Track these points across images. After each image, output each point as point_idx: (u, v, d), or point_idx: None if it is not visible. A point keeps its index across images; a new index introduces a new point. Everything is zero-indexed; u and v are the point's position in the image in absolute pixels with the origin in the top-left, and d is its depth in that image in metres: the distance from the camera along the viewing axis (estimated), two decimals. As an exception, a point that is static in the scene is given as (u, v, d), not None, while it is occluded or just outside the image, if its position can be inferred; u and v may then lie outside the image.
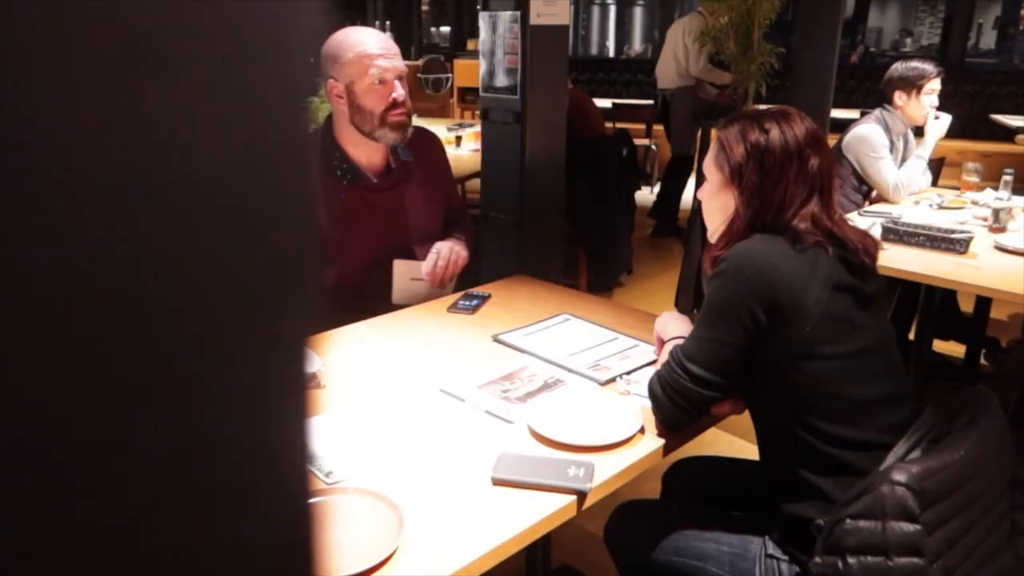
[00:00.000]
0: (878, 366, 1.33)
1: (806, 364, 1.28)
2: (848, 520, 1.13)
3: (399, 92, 1.87)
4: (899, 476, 1.10)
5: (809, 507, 1.28)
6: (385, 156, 2.01)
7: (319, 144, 1.98)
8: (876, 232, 2.72)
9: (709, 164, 1.45)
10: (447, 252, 1.99)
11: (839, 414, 1.28)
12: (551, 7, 3.02)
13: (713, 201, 1.45)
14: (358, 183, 1.96)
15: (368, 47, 1.84)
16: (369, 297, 1.99)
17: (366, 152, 1.97)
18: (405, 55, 8.76)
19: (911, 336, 3.29)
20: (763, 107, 1.49)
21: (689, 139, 5.65)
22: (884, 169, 3.20)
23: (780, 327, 1.28)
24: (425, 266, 1.97)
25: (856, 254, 1.34)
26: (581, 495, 1.20)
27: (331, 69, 1.87)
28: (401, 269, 1.99)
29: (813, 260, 1.31)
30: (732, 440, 2.75)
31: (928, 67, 3.20)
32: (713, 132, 1.48)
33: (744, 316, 1.29)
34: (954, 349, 3.43)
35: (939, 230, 2.61)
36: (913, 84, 3.20)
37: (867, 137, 3.24)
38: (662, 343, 1.59)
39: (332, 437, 1.35)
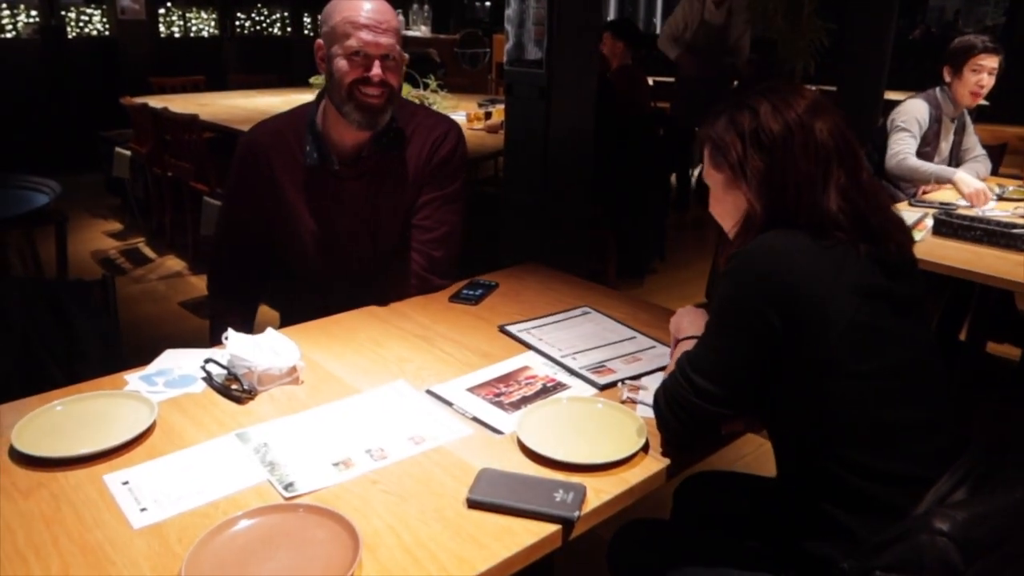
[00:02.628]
0: (916, 385, 1.14)
1: (830, 382, 1.10)
2: (879, 572, 0.96)
3: (376, 71, 1.67)
4: (941, 524, 0.92)
5: (832, 546, 1.11)
6: (362, 142, 1.79)
7: (304, 113, 1.84)
8: (927, 224, 2.50)
9: (707, 170, 1.28)
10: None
11: (868, 441, 1.10)
12: (581, -25, 2.83)
13: (722, 205, 1.27)
14: (321, 164, 1.79)
15: (356, 14, 1.66)
16: (327, 287, 1.87)
17: (343, 132, 1.77)
18: (444, 28, 8.60)
19: (962, 337, 3.07)
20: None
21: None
22: (899, 140, 2.98)
23: (798, 337, 1.10)
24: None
25: (888, 246, 1.16)
26: (567, 524, 1.05)
27: (322, 28, 1.72)
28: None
29: (840, 259, 1.12)
30: (761, 443, 2.57)
31: (977, 41, 2.92)
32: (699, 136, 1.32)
33: (756, 322, 1.11)
34: (1009, 352, 3.18)
35: (998, 224, 2.38)
36: (958, 58, 2.93)
37: (903, 107, 3.04)
38: (677, 343, 1.42)
39: (299, 442, 1.22)
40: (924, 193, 3.01)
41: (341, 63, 1.68)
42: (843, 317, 1.09)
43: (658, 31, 15.01)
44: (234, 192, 1.91)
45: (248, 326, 1.86)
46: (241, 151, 1.86)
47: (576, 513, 1.05)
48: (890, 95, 4.84)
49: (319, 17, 1.75)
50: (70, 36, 6.71)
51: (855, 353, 1.09)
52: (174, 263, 4.51)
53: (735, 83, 5.14)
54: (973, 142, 3.19)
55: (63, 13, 6.64)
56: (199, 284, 4.17)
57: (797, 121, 1.16)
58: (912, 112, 3.00)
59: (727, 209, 1.26)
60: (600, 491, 1.11)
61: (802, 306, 1.09)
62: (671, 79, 5.56)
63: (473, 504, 1.07)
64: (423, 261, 1.86)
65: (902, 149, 2.98)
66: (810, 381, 1.11)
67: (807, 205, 1.15)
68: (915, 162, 2.97)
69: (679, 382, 1.18)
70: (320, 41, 1.73)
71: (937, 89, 3.04)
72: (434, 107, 3.96)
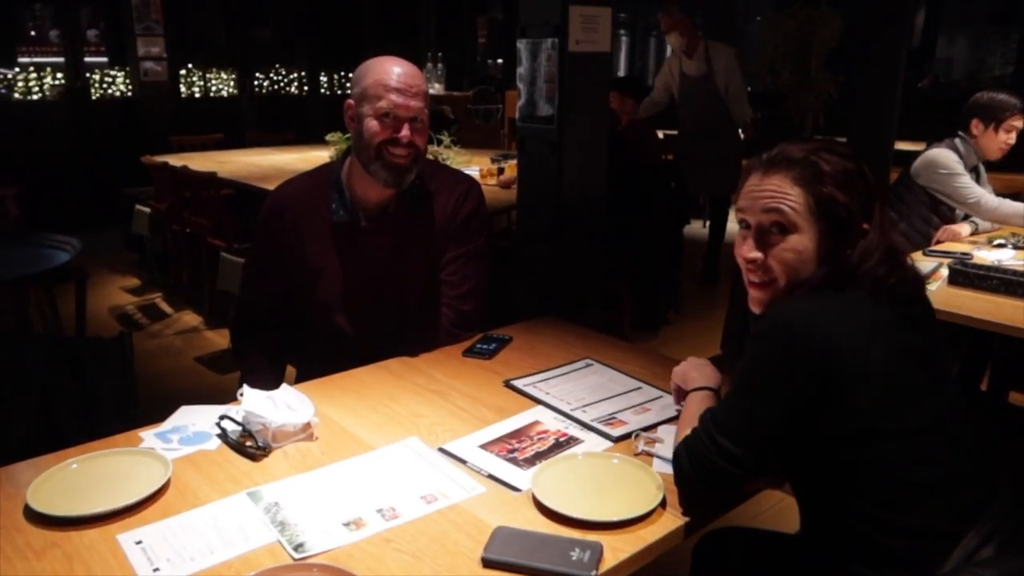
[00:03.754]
0: (943, 440, 1.13)
1: (861, 443, 1.09)
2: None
3: (405, 132, 1.72)
4: (968, 584, 0.90)
5: (857, 607, 1.08)
6: (387, 199, 1.83)
7: (329, 171, 1.88)
8: (942, 274, 2.49)
9: (797, 212, 1.19)
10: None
11: (896, 498, 1.08)
12: (591, 34, 2.89)
13: (797, 256, 1.20)
14: (348, 221, 1.83)
15: (388, 78, 1.71)
16: (353, 342, 1.87)
17: (369, 189, 1.81)
18: (457, 86, 8.79)
19: (983, 387, 3.02)
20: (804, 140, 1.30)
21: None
22: (966, 185, 2.99)
23: (831, 402, 1.09)
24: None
25: (911, 300, 1.18)
26: (584, 584, 1.03)
27: (354, 89, 1.77)
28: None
29: (869, 317, 1.13)
30: (782, 498, 2.52)
31: (1014, 101, 2.98)
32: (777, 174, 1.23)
33: (788, 387, 1.10)
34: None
35: (1015, 273, 2.36)
36: (994, 117, 2.98)
37: (936, 158, 3.04)
38: (680, 393, 1.42)
39: (311, 501, 1.21)
40: (938, 242, 3.00)
41: (371, 123, 1.72)
42: (877, 379, 1.09)
43: (668, 85, 15.22)
44: (260, 250, 1.93)
45: (278, 381, 1.84)
46: (267, 210, 1.89)
47: (593, 572, 1.03)
48: (900, 145, 4.87)
49: (350, 77, 1.81)
50: (94, 97, 6.90)
51: (888, 414, 1.09)
52: (191, 318, 4.55)
53: (740, 134, 5.12)
54: (989, 191, 3.20)
55: (88, 75, 6.84)
56: (215, 339, 4.19)
57: (874, 185, 1.20)
58: (950, 158, 3.02)
59: (803, 261, 1.20)
60: (617, 549, 1.09)
61: (836, 371, 1.09)
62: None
63: (488, 563, 1.05)
64: (452, 315, 1.89)
65: (976, 194, 2.98)
66: (841, 443, 1.10)
67: (870, 266, 1.16)
68: (1000, 200, 2.99)
69: (704, 443, 1.16)
70: (351, 101, 1.78)
71: (957, 140, 3.07)
72: (448, 162, 4.02)
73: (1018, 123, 2.98)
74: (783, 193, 1.20)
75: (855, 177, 1.19)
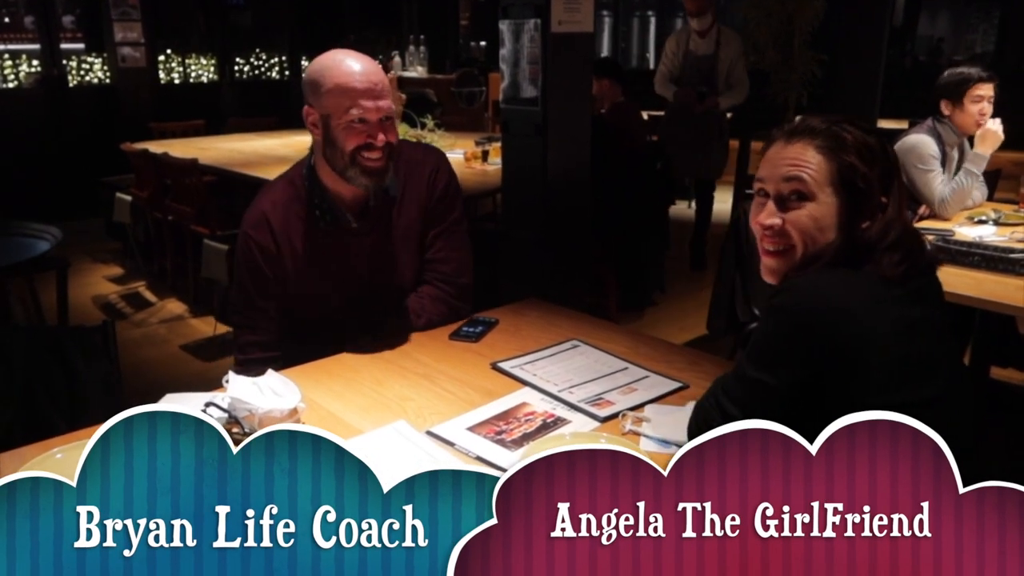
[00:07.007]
0: (954, 412, 1.14)
1: None
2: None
3: (380, 137, 1.65)
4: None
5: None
6: (362, 195, 1.78)
7: (301, 177, 1.81)
8: (925, 251, 2.51)
9: (817, 180, 1.19)
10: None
11: None
12: (573, 14, 2.88)
13: (818, 225, 1.20)
14: (336, 225, 1.78)
15: (352, 80, 1.63)
16: (350, 333, 1.83)
17: (343, 189, 1.76)
18: (440, 68, 8.73)
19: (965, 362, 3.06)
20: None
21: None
22: (931, 182, 2.98)
23: (844, 376, 1.10)
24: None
25: (921, 273, 1.19)
26: (573, 563, 1.04)
27: (310, 95, 1.68)
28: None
29: (884, 294, 1.14)
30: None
31: (972, 71, 2.97)
32: (799, 142, 1.21)
33: (800, 361, 1.12)
34: (1013, 376, 3.17)
35: (996, 249, 2.38)
36: (956, 91, 2.97)
37: (915, 147, 3.02)
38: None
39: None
40: (920, 219, 3.02)
41: (342, 131, 1.65)
42: (890, 353, 1.10)
43: (652, 66, 15.24)
44: (248, 261, 1.80)
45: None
46: (249, 222, 1.80)
47: (581, 551, 1.04)
48: (883, 123, 4.90)
49: (303, 80, 1.72)
50: (71, 85, 6.79)
51: (900, 386, 1.10)
52: (175, 306, 4.52)
53: (728, 116, 5.09)
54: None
55: (64, 62, 6.74)
56: (200, 327, 4.17)
57: (895, 162, 1.22)
58: (926, 150, 3.00)
59: (821, 229, 1.19)
60: (605, 528, 1.10)
61: (850, 347, 1.10)
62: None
63: (477, 544, 1.06)
64: (452, 290, 1.90)
65: (943, 191, 2.97)
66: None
67: (887, 244, 1.17)
68: (954, 190, 2.98)
69: (710, 407, 1.19)
70: (310, 108, 1.69)
71: (934, 122, 3.06)
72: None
73: (983, 91, 2.94)
74: (804, 161, 1.20)
75: (876, 150, 1.21)
